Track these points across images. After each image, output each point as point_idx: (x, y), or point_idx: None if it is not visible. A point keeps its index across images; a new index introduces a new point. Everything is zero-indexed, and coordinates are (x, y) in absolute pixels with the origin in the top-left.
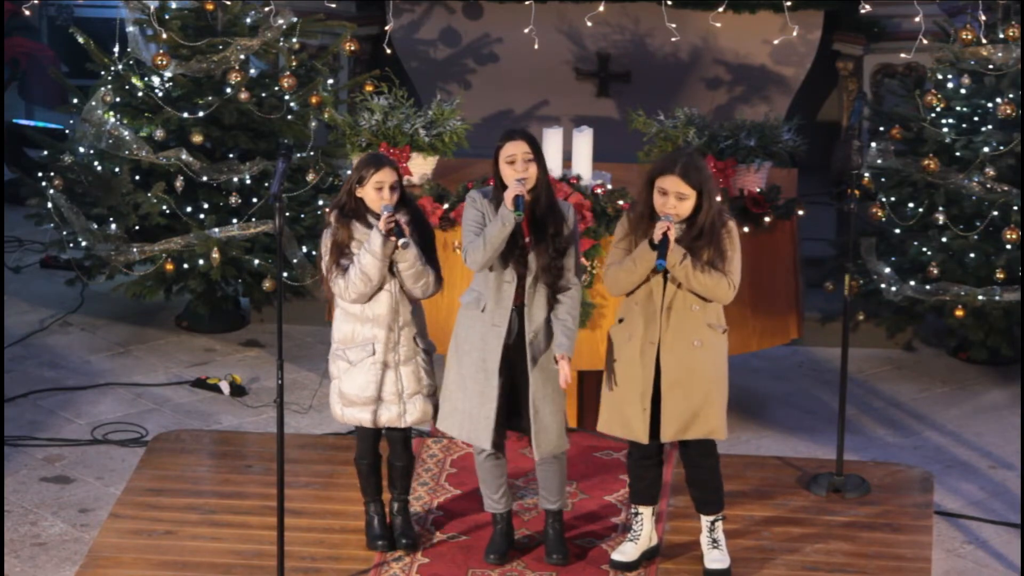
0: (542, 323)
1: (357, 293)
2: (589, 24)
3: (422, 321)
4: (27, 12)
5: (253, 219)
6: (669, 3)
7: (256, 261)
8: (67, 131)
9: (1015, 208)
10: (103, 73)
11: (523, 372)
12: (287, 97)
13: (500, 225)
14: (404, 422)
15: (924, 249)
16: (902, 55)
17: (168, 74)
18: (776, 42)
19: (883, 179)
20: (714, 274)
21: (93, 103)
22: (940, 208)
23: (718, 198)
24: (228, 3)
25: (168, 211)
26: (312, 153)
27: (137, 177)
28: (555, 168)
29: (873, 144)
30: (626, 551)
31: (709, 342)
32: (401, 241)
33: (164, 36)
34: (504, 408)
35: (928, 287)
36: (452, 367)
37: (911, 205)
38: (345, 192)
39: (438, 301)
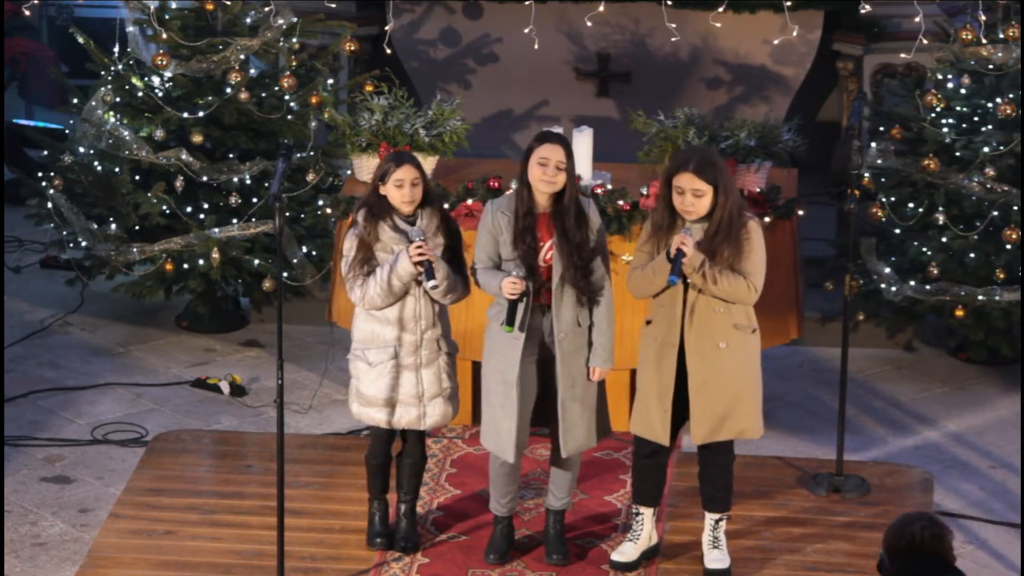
0: (571, 322)
1: (371, 305)
2: (589, 24)
3: (446, 322)
4: (27, 12)
5: (253, 219)
6: (669, 3)
7: (256, 261)
8: (67, 131)
9: (1015, 208)
10: (103, 73)
11: (554, 372)
12: (287, 97)
13: (497, 289)
14: (424, 424)
15: (924, 249)
16: (902, 55)
17: (168, 74)
18: (776, 42)
19: (883, 179)
20: (733, 278)
21: (93, 103)
22: (940, 208)
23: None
24: (228, 3)
25: (168, 211)
26: (312, 153)
27: (137, 177)
28: None
29: (873, 144)
30: (626, 551)
31: (735, 343)
32: (429, 284)
33: (164, 36)
34: (536, 411)
35: (928, 287)
36: (483, 380)
37: (911, 205)
38: (371, 191)
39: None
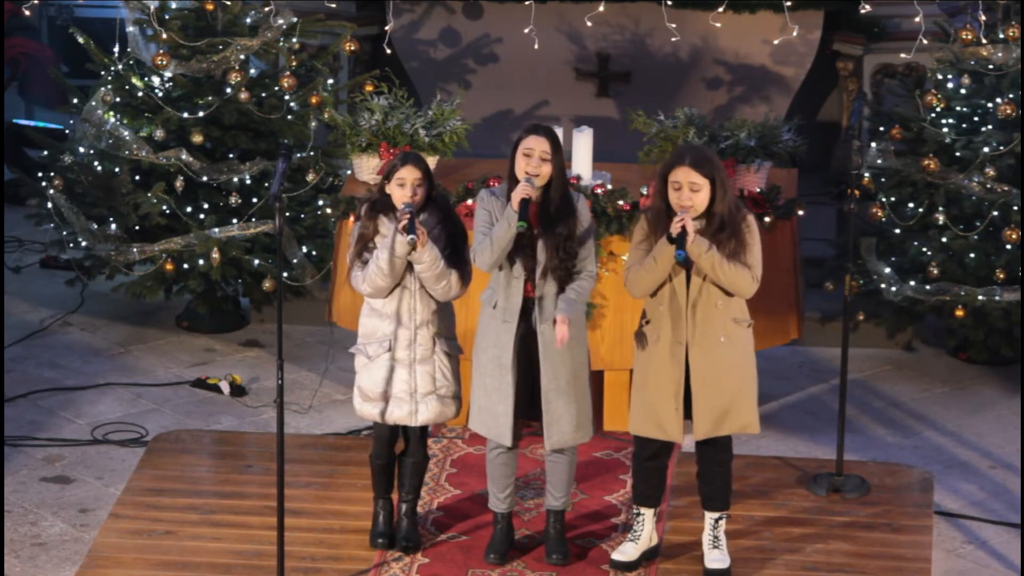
0: (554, 313)
1: (372, 287)
2: (589, 24)
3: (449, 322)
4: (27, 12)
5: (253, 219)
6: (669, 3)
7: (256, 261)
8: (67, 131)
9: (1015, 208)
10: (103, 73)
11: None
12: (287, 97)
13: (506, 225)
14: (415, 421)
15: (924, 249)
16: (902, 55)
17: (168, 74)
18: (776, 42)
19: (883, 179)
20: (738, 266)
21: (93, 103)
22: (940, 208)
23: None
24: (228, 3)
25: (168, 211)
26: (312, 153)
27: (137, 177)
28: None
29: (873, 144)
30: (626, 551)
31: (734, 337)
32: (408, 238)
33: (164, 36)
34: (525, 400)
35: (928, 287)
36: (474, 366)
37: (911, 205)
38: (377, 187)
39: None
